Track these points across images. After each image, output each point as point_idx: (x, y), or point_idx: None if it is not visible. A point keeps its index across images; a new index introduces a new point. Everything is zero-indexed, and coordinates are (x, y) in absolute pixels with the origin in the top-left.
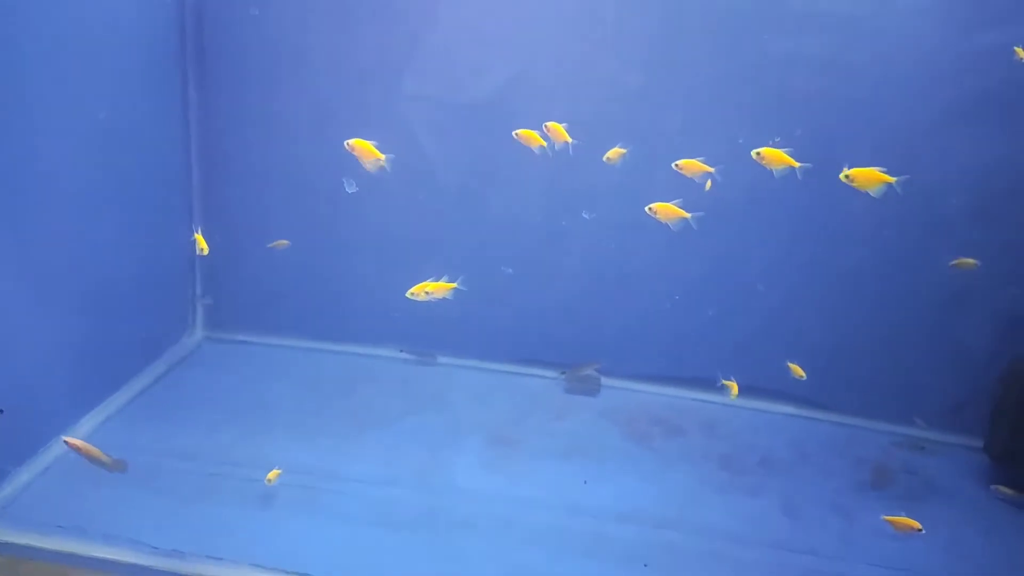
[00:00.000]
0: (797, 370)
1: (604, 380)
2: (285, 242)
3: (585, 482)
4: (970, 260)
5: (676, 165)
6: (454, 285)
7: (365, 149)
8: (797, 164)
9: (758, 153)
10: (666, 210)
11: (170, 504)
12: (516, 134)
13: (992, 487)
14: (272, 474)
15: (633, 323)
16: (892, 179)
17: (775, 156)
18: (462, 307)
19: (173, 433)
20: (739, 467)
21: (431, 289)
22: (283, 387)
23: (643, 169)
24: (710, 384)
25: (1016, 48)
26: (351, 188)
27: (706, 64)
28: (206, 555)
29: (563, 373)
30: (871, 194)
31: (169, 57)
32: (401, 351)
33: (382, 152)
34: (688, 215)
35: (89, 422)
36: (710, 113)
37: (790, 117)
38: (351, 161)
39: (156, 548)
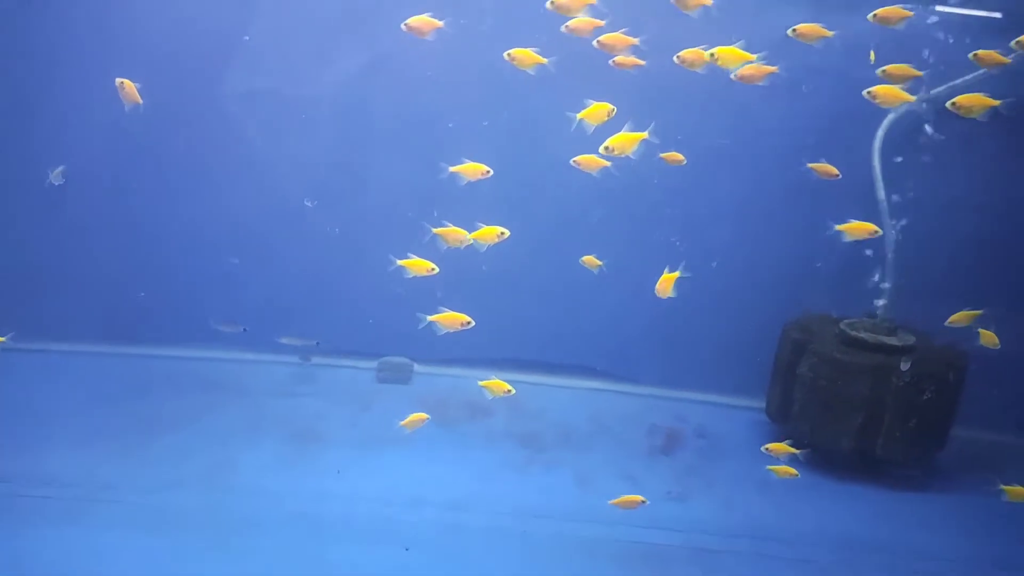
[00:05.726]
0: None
1: (417, 367)
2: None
3: (339, 471)
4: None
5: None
6: None
7: None
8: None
9: None
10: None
11: None
12: None
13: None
14: None
15: (445, 306)
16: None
17: None
18: (274, 299)
19: None
20: (540, 444)
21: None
22: (65, 396)
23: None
24: (519, 364)
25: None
26: (57, 180)
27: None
28: None
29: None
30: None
31: None
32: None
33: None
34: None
35: None
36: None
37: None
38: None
39: None
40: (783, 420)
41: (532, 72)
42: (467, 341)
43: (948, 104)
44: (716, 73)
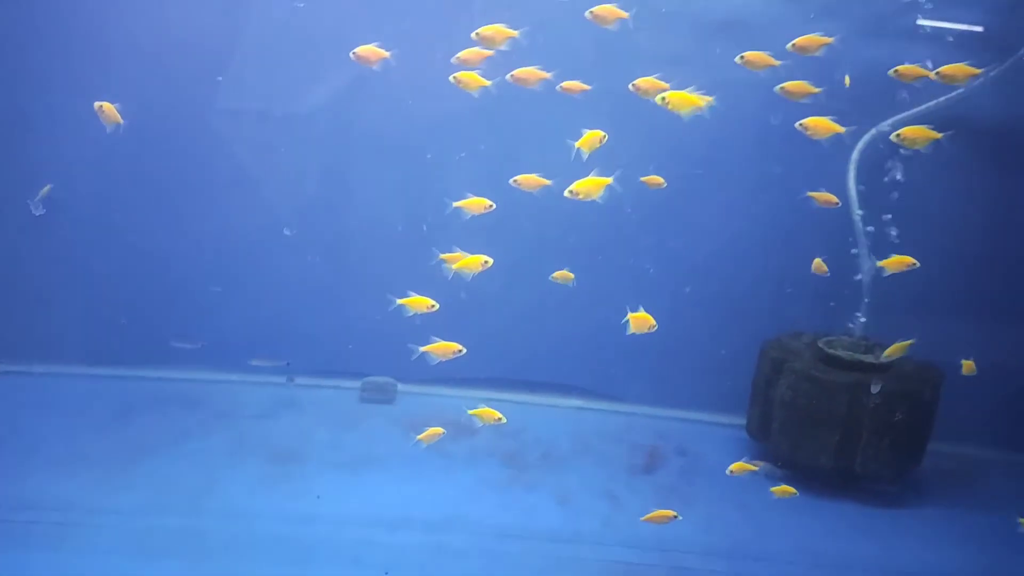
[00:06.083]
0: None
1: (401, 387)
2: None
3: (318, 496)
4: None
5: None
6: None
7: None
8: None
9: None
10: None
11: None
12: None
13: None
14: None
15: (427, 328)
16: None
17: None
18: (257, 320)
19: None
20: (522, 463)
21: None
22: (50, 418)
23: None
24: (498, 383)
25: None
26: (37, 211)
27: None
28: None
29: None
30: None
31: None
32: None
33: None
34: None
35: None
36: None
37: None
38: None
39: None
40: (763, 438)
41: (476, 95)
42: (450, 361)
43: (892, 136)
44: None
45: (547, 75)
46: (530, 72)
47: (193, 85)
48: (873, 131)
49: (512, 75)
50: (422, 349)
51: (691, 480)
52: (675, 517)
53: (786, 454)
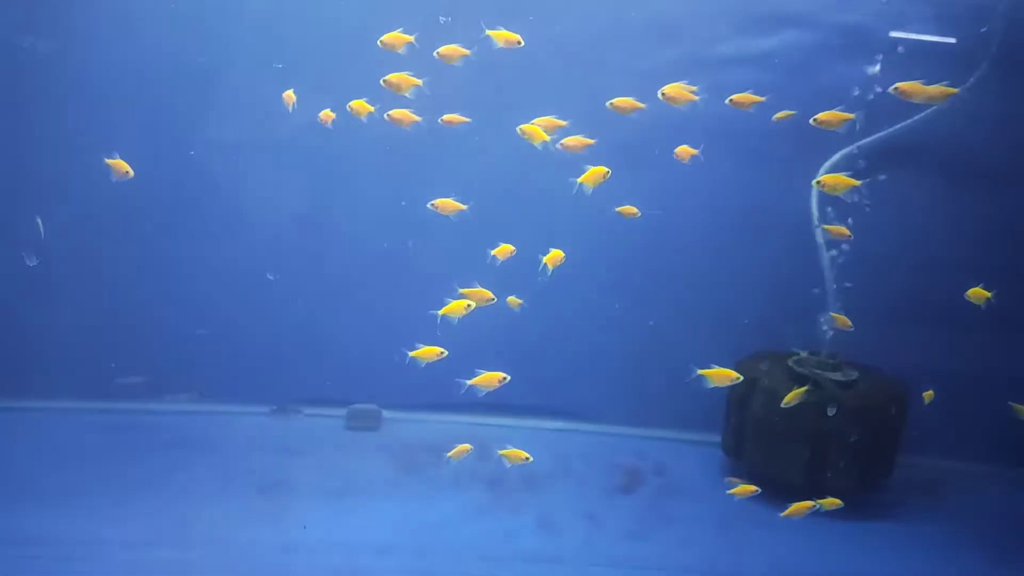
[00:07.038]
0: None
1: (386, 413)
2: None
3: (305, 527)
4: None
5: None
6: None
7: None
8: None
9: None
10: (445, 204)
11: None
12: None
13: (726, 479)
14: None
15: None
16: None
17: None
18: (245, 351)
19: None
20: (504, 487)
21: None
22: (38, 453)
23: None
24: (481, 407)
25: None
26: (31, 262)
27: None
28: None
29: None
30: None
31: None
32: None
33: None
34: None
35: None
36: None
37: None
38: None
39: None
40: (738, 455)
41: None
42: (434, 387)
43: (814, 182)
44: (647, 139)
45: (417, 118)
46: (403, 114)
47: (177, 129)
48: (836, 157)
49: (389, 115)
50: (468, 383)
51: (669, 499)
52: (814, 507)
53: (759, 470)
